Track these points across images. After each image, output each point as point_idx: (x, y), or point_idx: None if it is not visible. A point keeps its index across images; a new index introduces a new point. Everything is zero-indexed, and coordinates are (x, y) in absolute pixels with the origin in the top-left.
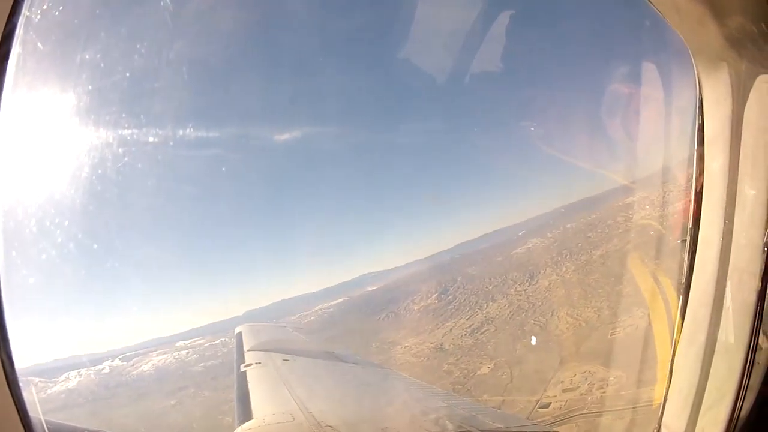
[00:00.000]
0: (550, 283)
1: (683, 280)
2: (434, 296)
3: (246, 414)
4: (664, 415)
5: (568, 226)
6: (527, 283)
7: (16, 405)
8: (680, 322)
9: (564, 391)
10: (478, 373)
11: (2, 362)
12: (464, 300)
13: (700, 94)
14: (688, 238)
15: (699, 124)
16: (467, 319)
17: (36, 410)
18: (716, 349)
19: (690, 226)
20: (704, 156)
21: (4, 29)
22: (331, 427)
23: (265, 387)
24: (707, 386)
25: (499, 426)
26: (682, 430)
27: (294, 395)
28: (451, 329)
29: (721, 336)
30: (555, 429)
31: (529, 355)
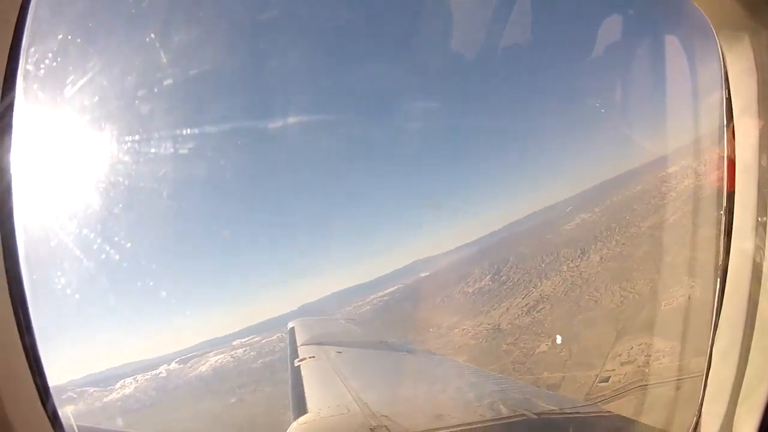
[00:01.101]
0: (601, 258)
1: (720, 260)
2: (488, 277)
3: (301, 408)
4: (704, 401)
5: (614, 199)
6: (579, 259)
7: (47, 414)
8: (718, 305)
9: (622, 364)
10: (537, 351)
11: (33, 372)
12: (518, 279)
13: (725, 66)
14: (724, 216)
15: (726, 97)
16: (522, 299)
17: (69, 418)
18: (755, 334)
19: (725, 201)
20: (734, 129)
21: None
22: (385, 416)
23: (319, 380)
24: (746, 373)
25: (553, 408)
26: (721, 416)
27: (348, 387)
28: (507, 309)
29: (760, 320)
30: (608, 410)
31: (586, 331)
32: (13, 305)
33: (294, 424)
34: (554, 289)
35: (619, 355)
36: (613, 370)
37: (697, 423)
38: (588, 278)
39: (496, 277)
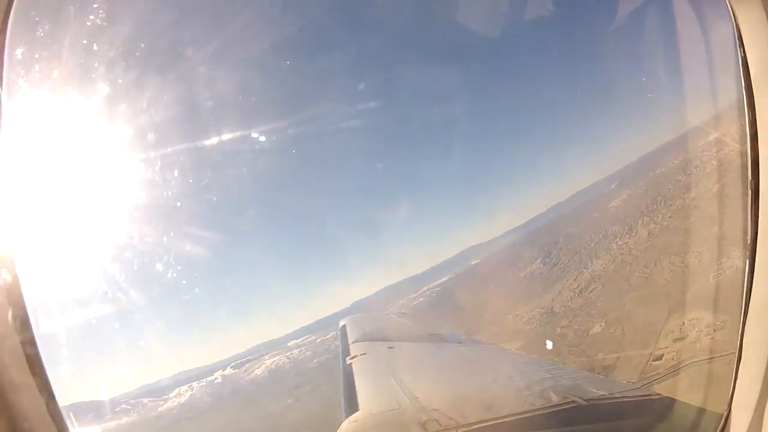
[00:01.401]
0: (649, 233)
1: (748, 240)
2: (538, 261)
3: (353, 406)
4: (734, 395)
5: (657, 172)
6: (627, 236)
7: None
8: (747, 290)
9: (675, 341)
10: (591, 332)
11: (42, 391)
12: (568, 261)
13: (736, 24)
14: (750, 188)
15: (741, 57)
16: (574, 280)
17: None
18: None
19: (749, 171)
20: (752, 88)
21: None
22: (436, 410)
23: (371, 377)
24: None
25: (603, 393)
26: (752, 412)
27: (399, 382)
28: (559, 291)
29: None
30: (657, 392)
31: (638, 309)
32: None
33: (345, 423)
34: (605, 268)
35: (672, 331)
36: (666, 347)
37: (727, 418)
38: (637, 255)
39: (546, 260)
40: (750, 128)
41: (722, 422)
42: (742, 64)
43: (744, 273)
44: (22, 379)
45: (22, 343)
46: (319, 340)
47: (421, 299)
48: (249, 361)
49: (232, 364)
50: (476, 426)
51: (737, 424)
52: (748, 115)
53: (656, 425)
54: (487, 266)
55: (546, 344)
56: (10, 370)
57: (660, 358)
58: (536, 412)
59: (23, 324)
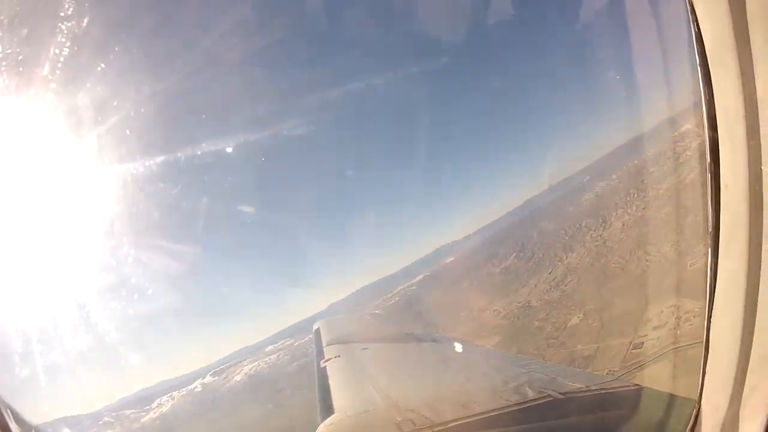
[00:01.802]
0: (623, 224)
1: (710, 219)
2: (513, 256)
3: (328, 409)
4: (704, 389)
5: (630, 164)
6: (602, 228)
7: None
8: (712, 274)
9: (654, 328)
10: (570, 324)
11: None
12: (543, 255)
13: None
14: (708, 171)
15: (695, 32)
16: (549, 273)
17: None
18: (757, 318)
19: (708, 157)
20: (709, 71)
21: None
22: (411, 410)
23: (345, 379)
24: (750, 356)
25: (580, 386)
26: (724, 409)
27: (374, 383)
28: (535, 285)
29: (763, 302)
30: (635, 383)
31: (615, 299)
32: None
33: (321, 426)
34: (580, 260)
35: (650, 320)
36: (646, 335)
37: (698, 415)
38: (612, 247)
39: (521, 254)
40: (707, 108)
41: (695, 410)
42: (697, 43)
43: (707, 261)
44: None
45: None
46: (296, 343)
47: (397, 299)
48: (228, 367)
49: (211, 372)
50: (451, 424)
51: (708, 412)
52: (705, 92)
53: (632, 416)
54: (461, 263)
55: (525, 337)
56: None
57: (640, 346)
58: (512, 408)
59: None
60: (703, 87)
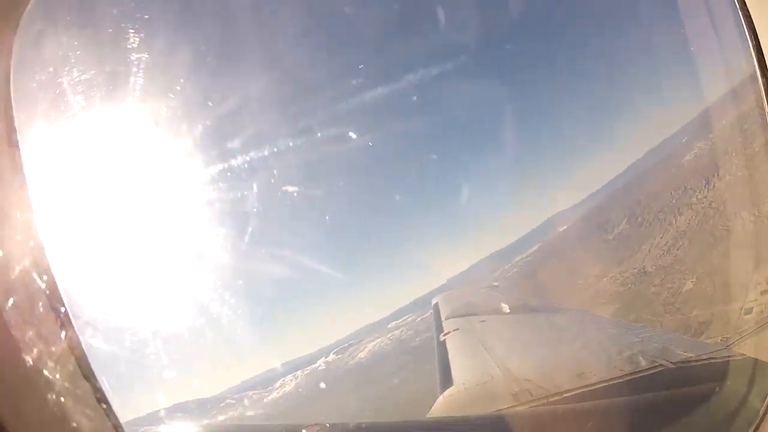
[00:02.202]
0: (726, 185)
1: None
2: (624, 222)
3: (447, 381)
4: None
5: (724, 122)
6: (705, 189)
7: None
8: None
9: (762, 293)
10: (684, 289)
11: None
12: (653, 219)
13: None
14: None
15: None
16: (661, 238)
17: None
18: None
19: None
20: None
21: None
22: (528, 380)
23: (464, 352)
24: None
25: (690, 356)
26: None
27: (492, 355)
28: (649, 250)
29: None
30: (741, 353)
31: (726, 262)
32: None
33: (440, 398)
34: (689, 223)
35: (759, 283)
36: (755, 300)
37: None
38: (718, 207)
39: (632, 220)
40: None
41: None
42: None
43: None
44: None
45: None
46: (419, 318)
47: (515, 270)
48: (351, 345)
49: (334, 351)
50: (567, 394)
51: None
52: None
53: (739, 388)
54: (574, 232)
55: (642, 304)
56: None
57: (750, 311)
58: (625, 378)
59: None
60: (762, 77)
